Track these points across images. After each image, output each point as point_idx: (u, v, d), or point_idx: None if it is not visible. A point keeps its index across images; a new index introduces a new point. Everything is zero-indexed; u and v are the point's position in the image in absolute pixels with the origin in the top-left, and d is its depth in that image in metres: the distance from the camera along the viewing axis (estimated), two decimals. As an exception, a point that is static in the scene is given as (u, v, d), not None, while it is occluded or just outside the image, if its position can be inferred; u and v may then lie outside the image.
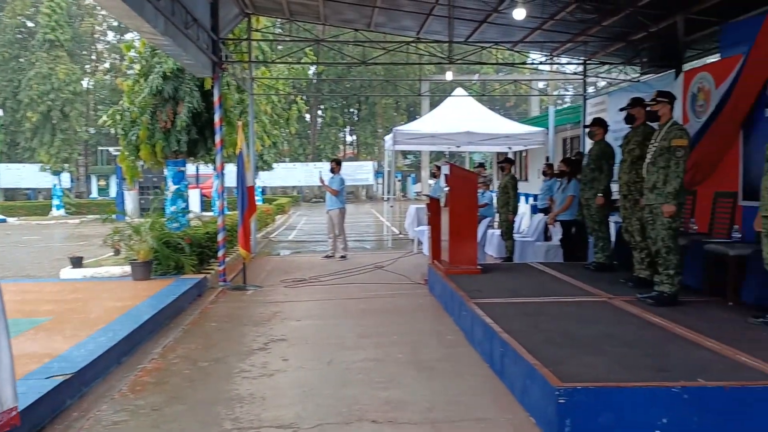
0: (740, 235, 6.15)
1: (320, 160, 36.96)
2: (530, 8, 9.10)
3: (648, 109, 5.90)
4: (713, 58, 9.12)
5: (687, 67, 9.25)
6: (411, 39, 12.72)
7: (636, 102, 6.43)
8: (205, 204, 24.27)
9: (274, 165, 25.52)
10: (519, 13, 8.73)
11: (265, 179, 29.91)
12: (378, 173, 38.94)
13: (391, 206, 15.80)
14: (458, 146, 15.32)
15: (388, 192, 16.38)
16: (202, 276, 8.45)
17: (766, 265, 4.82)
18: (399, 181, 39.50)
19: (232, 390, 4.47)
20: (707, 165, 7.36)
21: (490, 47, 12.13)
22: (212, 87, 9.15)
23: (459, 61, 12.39)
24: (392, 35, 13.71)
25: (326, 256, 11.51)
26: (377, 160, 40.22)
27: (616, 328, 4.86)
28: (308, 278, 9.19)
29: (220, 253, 8.98)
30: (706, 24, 8.88)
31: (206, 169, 21.43)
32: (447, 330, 6.08)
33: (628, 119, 6.48)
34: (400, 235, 15.81)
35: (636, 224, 6.33)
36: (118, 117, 10.65)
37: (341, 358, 5.19)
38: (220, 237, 9.03)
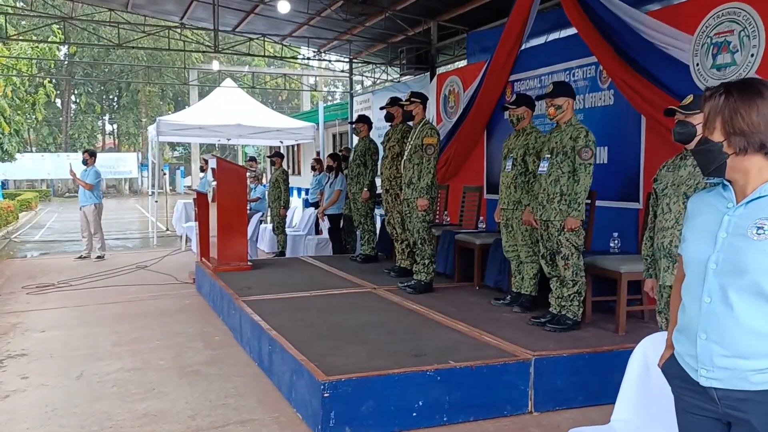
0: (485, 226, 6.85)
1: (75, 150, 33.52)
2: (296, 3, 9.16)
3: (404, 108, 6.25)
4: (462, 64, 10.03)
5: (440, 70, 10.05)
6: (174, 24, 12.07)
7: (394, 101, 6.76)
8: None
9: (17, 155, 22.57)
10: (283, 6, 8.74)
11: (6, 171, 26.36)
12: (143, 165, 36.41)
13: (157, 201, 14.86)
14: (229, 139, 14.89)
15: (154, 186, 15.38)
16: None
17: (506, 252, 5.41)
18: (166, 174, 37.41)
19: (-48, 421, 3.81)
20: (457, 162, 8.08)
21: (258, 38, 11.98)
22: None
23: (226, 51, 12.07)
24: (154, 18, 12.87)
25: (80, 257, 10.44)
26: (141, 151, 37.62)
27: (379, 317, 5.08)
28: (57, 283, 8.24)
29: (-59, 259, 7.67)
30: (456, 32, 9.76)
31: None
32: (215, 331, 5.85)
33: (388, 117, 6.81)
34: (167, 232, 14.97)
35: (397, 217, 6.67)
36: None
37: (93, 370, 4.71)
38: (-59, 240, 7.70)
